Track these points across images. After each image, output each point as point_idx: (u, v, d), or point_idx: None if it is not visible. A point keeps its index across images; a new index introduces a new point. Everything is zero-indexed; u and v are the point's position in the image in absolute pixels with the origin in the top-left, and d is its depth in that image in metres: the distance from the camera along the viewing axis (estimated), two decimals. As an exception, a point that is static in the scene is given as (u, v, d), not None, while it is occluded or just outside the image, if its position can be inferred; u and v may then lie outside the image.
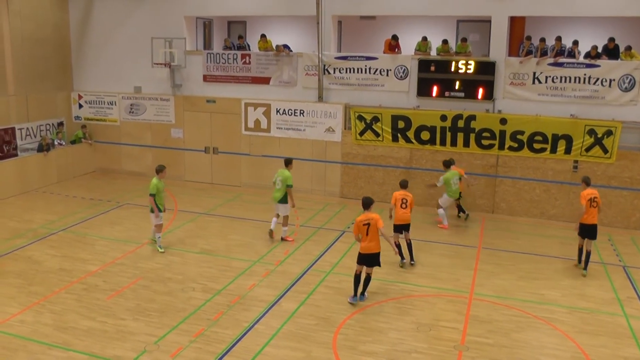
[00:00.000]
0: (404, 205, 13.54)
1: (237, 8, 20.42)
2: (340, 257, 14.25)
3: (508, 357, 9.79)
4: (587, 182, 13.59)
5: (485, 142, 17.66)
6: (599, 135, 16.59)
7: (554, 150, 17.11)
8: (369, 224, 11.24)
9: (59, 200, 18.89)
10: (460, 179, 16.53)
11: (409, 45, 19.00)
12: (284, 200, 15.02)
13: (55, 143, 21.32)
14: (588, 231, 13.36)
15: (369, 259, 11.48)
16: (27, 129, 20.79)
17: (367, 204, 11.50)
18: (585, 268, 13.44)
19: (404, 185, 13.97)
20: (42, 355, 9.69)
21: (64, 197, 19.32)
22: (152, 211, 14.26)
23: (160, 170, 14.25)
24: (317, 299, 11.90)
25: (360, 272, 11.61)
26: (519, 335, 10.53)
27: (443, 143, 18.03)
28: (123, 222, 16.76)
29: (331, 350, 9.95)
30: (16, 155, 20.21)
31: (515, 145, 17.39)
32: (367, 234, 11.27)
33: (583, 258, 13.50)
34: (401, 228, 13.71)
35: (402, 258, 13.62)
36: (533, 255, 14.65)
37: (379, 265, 11.69)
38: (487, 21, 18.13)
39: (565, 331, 10.72)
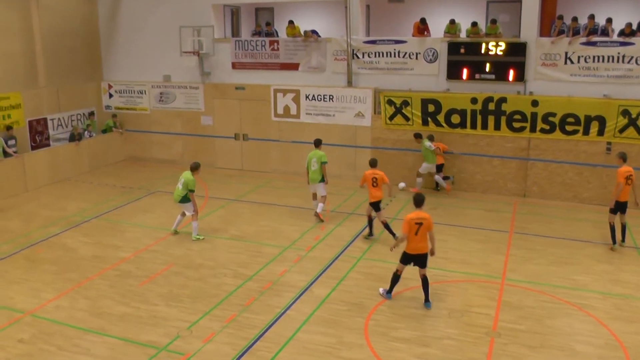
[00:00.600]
0: (374, 184, 13.94)
1: (265, -6, 20.43)
2: (371, 242, 14.23)
3: (541, 344, 9.69)
4: (623, 158, 13.48)
5: (516, 125, 17.40)
6: (633, 116, 16.21)
7: (586, 132, 16.78)
8: (421, 224, 10.58)
9: (91, 189, 19.15)
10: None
11: (437, 28, 18.80)
12: (323, 179, 15.36)
13: (85, 135, 21.58)
14: (622, 207, 13.44)
15: (419, 260, 10.87)
16: (59, 119, 21.14)
17: (419, 201, 10.75)
18: (623, 240, 13.67)
19: (373, 164, 14.39)
20: (78, 339, 9.87)
21: (96, 185, 19.59)
22: (182, 201, 14.36)
23: (196, 168, 14.40)
24: (349, 285, 11.90)
25: (401, 272, 11.12)
26: (551, 322, 10.41)
27: (474, 126, 17.82)
28: (154, 209, 16.94)
29: (363, 336, 9.96)
30: (48, 145, 20.59)
31: (547, 127, 17.10)
32: (416, 234, 10.58)
33: (619, 232, 13.63)
34: (376, 205, 14.10)
35: (371, 234, 14.51)
36: (565, 239, 14.44)
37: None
38: (517, 1, 17.82)
39: (599, 317, 10.56)
